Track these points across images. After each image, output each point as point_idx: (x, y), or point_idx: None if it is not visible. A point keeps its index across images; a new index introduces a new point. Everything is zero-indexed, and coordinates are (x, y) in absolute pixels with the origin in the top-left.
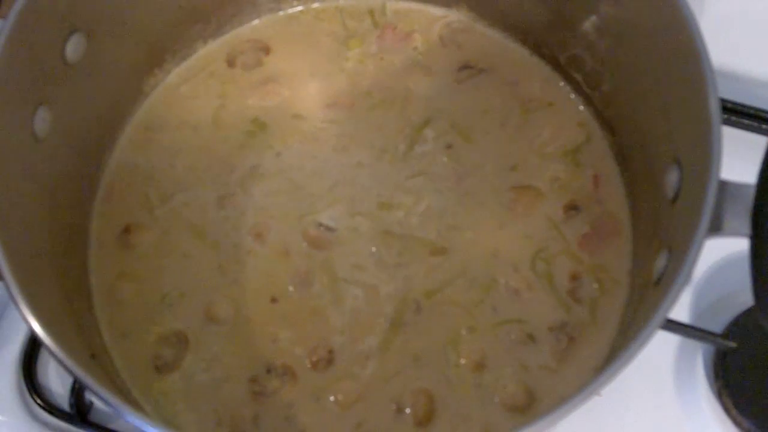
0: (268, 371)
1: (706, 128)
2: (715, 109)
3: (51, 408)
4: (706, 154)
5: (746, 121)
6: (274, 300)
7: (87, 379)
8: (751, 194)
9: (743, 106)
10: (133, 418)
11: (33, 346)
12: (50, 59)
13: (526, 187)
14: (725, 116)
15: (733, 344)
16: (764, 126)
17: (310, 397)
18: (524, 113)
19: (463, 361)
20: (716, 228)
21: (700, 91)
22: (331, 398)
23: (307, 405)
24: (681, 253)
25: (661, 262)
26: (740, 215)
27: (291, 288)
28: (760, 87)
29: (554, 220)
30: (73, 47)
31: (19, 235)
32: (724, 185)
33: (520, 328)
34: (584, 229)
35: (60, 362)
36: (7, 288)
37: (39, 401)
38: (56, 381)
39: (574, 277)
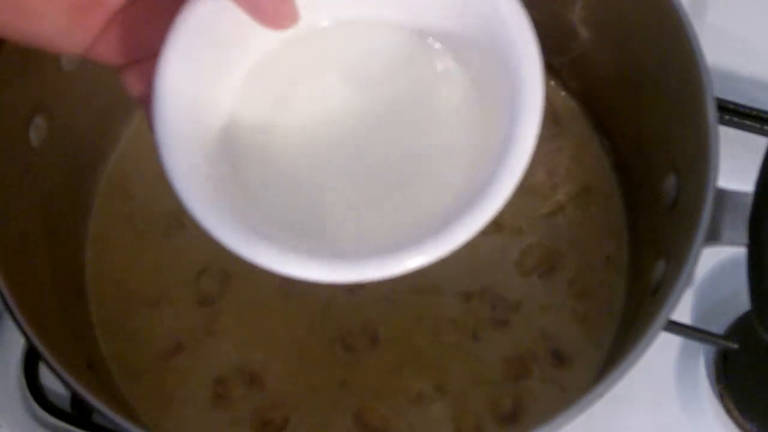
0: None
1: (703, 136)
2: (712, 117)
3: (53, 409)
4: (704, 162)
5: (748, 122)
6: None
7: (82, 390)
8: (748, 203)
9: (745, 107)
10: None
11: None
12: (46, 66)
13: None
14: (727, 117)
15: (735, 345)
16: (766, 127)
17: None
18: None
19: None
20: (714, 237)
21: (697, 99)
22: None
23: None
24: (678, 262)
25: (658, 271)
26: (738, 224)
27: None
28: (762, 88)
29: (549, 222)
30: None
31: (15, 243)
32: (721, 193)
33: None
34: (580, 236)
35: (57, 374)
36: (2, 297)
37: (41, 403)
38: (58, 382)
39: (570, 286)
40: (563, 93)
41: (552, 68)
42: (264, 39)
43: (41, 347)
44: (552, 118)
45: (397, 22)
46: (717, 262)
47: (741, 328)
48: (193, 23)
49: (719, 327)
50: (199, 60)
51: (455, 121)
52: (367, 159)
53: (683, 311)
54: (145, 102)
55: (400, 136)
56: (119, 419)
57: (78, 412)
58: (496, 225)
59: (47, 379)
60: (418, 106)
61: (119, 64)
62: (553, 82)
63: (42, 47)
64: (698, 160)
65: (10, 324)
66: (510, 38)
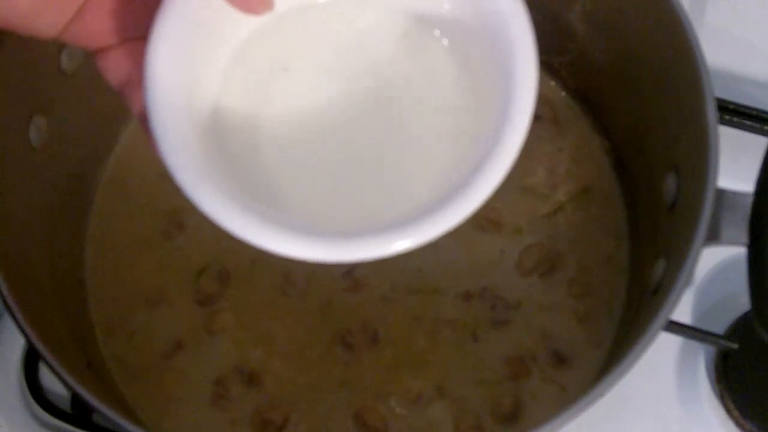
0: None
1: (703, 136)
2: (712, 117)
3: (53, 409)
4: (703, 162)
5: (748, 122)
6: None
7: (82, 390)
8: (748, 203)
9: (745, 107)
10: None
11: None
12: (46, 66)
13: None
14: (727, 117)
15: (735, 345)
16: (766, 127)
17: None
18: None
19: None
20: (714, 237)
21: (697, 99)
22: None
23: None
24: (678, 262)
25: (658, 270)
26: (738, 224)
27: None
28: (762, 88)
29: (549, 222)
30: (69, 55)
31: (15, 244)
32: (721, 193)
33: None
34: (580, 236)
35: (57, 374)
36: (2, 297)
37: (41, 403)
38: (58, 382)
39: (570, 286)
40: (563, 93)
41: (552, 68)
42: (250, 20)
43: (41, 347)
44: (552, 118)
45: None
46: (717, 262)
47: (741, 328)
48: (181, 5)
49: (719, 327)
50: (189, 40)
51: (447, 106)
52: (356, 142)
53: (683, 311)
54: (121, 87)
55: (391, 119)
56: (119, 419)
57: (78, 412)
58: (496, 225)
59: (47, 379)
60: (409, 89)
61: (95, 48)
62: (553, 82)
63: (13, 29)
64: (698, 160)
65: (10, 324)
66: (504, 23)
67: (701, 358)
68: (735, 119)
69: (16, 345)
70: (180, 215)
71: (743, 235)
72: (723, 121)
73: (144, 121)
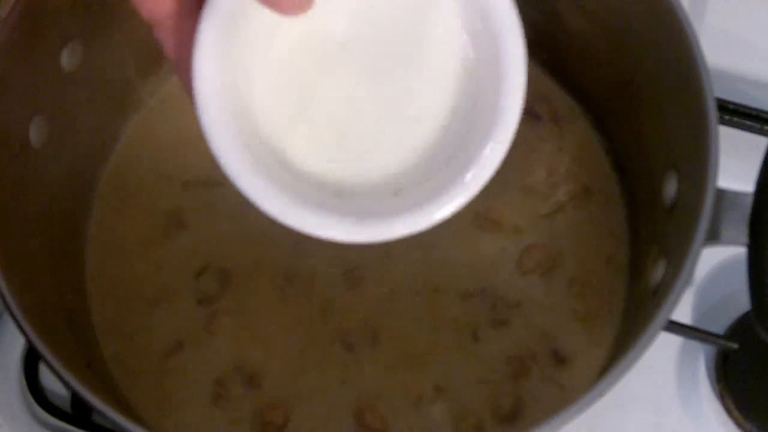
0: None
1: (703, 136)
2: (712, 117)
3: (53, 409)
4: (703, 162)
5: (748, 122)
6: None
7: (82, 390)
8: (749, 203)
9: (745, 107)
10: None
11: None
12: (46, 66)
13: (524, 188)
14: (727, 117)
15: (735, 345)
16: (766, 127)
17: None
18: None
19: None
20: (714, 237)
21: (697, 99)
22: None
23: None
24: (678, 262)
25: (658, 271)
26: (738, 224)
27: None
28: (762, 88)
29: (549, 222)
30: (69, 55)
31: (15, 244)
32: (721, 193)
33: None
34: (580, 236)
35: (57, 374)
36: (2, 297)
37: (41, 403)
38: (58, 382)
39: (570, 286)
40: (563, 93)
41: (552, 68)
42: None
43: (41, 347)
44: (552, 118)
45: None
46: (717, 262)
47: (741, 328)
48: None
49: (719, 327)
50: (232, 27)
51: (448, 79)
52: (369, 107)
53: (683, 311)
54: (154, 23)
55: (388, 87)
56: (119, 419)
57: (78, 412)
58: (496, 225)
59: (47, 379)
60: (416, 57)
61: None
62: (553, 83)
63: None
64: (698, 160)
65: (10, 324)
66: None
67: (701, 358)
68: (735, 119)
69: (16, 345)
70: (180, 215)
71: (743, 235)
72: (723, 121)
73: (177, 64)
